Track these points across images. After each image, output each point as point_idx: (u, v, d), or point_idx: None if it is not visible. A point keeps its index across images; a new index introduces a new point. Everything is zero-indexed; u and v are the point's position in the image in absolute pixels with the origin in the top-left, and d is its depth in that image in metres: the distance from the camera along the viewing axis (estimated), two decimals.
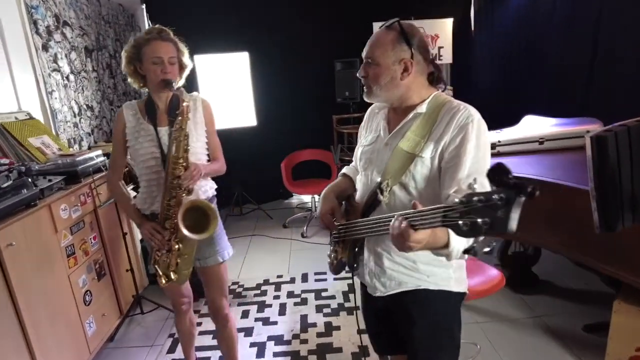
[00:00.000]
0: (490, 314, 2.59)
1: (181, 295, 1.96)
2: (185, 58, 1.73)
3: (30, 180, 1.93)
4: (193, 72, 4.07)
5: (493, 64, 4.14)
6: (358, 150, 1.41)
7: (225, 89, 4.07)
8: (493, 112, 4.07)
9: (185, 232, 1.56)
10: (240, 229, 4.24)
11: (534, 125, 2.72)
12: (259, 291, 3.05)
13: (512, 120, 2.87)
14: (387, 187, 1.21)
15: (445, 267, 1.25)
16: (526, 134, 2.63)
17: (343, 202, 1.41)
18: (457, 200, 0.80)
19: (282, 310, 2.79)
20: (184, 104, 1.58)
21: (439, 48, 4.12)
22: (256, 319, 2.70)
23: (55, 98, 2.81)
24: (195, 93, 1.82)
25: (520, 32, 3.71)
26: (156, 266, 1.71)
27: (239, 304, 2.90)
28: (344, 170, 1.51)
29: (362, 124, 1.45)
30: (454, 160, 1.09)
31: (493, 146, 2.55)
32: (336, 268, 1.37)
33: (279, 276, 3.24)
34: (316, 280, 3.16)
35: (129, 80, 1.74)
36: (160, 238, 1.66)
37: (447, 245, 0.99)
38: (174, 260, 1.67)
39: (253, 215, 4.56)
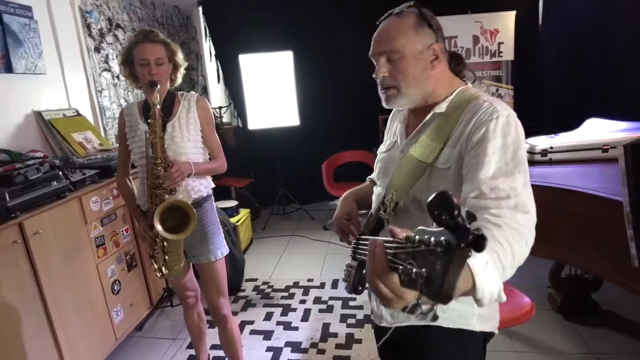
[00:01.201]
0: (533, 343, 2.28)
1: (185, 289, 1.97)
2: (179, 57, 1.74)
3: (61, 173, 2.04)
4: (238, 72, 4.15)
5: (561, 60, 3.70)
6: (377, 157, 1.25)
7: (268, 88, 4.08)
8: (559, 113, 3.66)
9: (160, 230, 1.56)
10: (281, 228, 4.24)
11: (598, 130, 2.35)
12: (286, 294, 2.99)
13: (578, 123, 2.52)
14: (391, 202, 1.04)
15: (467, 302, 0.90)
16: (587, 139, 2.28)
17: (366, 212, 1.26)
18: (415, 233, 0.56)
19: (306, 316, 2.71)
20: (156, 106, 1.58)
21: (499, 44, 3.77)
22: (278, 323, 2.65)
23: (105, 96, 2.99)
24: (191, 92, 1.83)
25: (593, 25, 3.26)
26: (153, 260, 1.74)
27: (265, 305, 2.87)
28: (372, 175, 1.33)
29: (387, 126, 1.28)
30: (474, 161, 0.88)
31: (544, 153, 2.25)
32: (350, 286, 1.14)
33: (310, 280, 3.17)
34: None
35: (127, 82, 1.77)
36: (149, 238, 1.70)
37: (473, 289, 0.66)
38: (162, 256, 1.69)
39: (296, 215, 4.54)
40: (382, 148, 1.21)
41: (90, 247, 2.21)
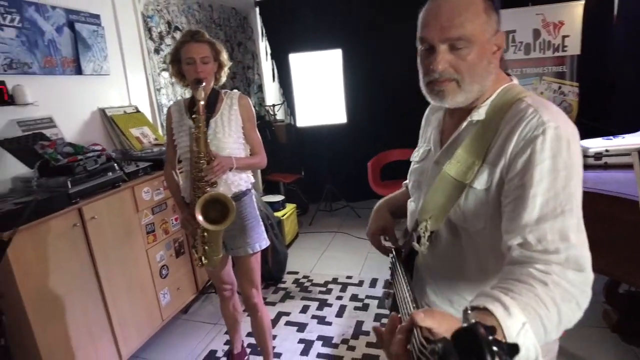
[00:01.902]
0: None
1: (222, 282, 2.07)
2: (223, 57, 1.82)
3: (116, 164, 2.25)
4: (287, 71, 4.24)
5: (637, 54, 3.34)
6: (410, 166, 1.09)
7: (317, 86, 4.14)
8: (633, 113, 3.31)
9: (200, 220, 1.65)
10: (326, 224, 4.29)
11: None
12: (324, 289, 3.04)
13: None
14: (425, 231, 0.90)
15: None
16: None
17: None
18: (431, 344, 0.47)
19: (341, 312, 2.73)
20: (200, 103, 1.66)
21: (563, 37, 3.48)
22: (313, 316, 2.71)
23: (163, 94, 3.22)
24: (234, 90, 1.90)
25: None
26: (194, 250, 1.85)
27: (302, 298, 2.93)
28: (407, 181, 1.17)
29: (421, 129, 1.12)
30: (517, 193, 0.75)
31: (598, 156, 2.06)
32: (390, 304, 1.08)
33: (349, 277, 3.18)
34: (384, 287, 3.00)
35: (174, 80, 1.88)
36: (190, 227, 1.79)
37: None
38: (202, 246, 1.78)
39: (342, 213, 4.56)
40: (416, 156, 1.07)
41: (141, 233, 2.41)
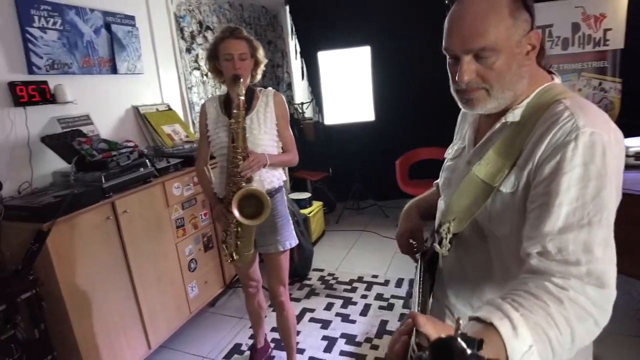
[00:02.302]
0: None
1: (249, 279, 2.10)
2: (260, 54, 1.82)
3: (148, 160, 2.33)
4: (316, 69, 4.25)
5: None
6: (444, 163, 1.06)
7: (345, 84, 4.12)
8: None
9: (236, 214, 1.67)
10: (353, 223, 4.27)
11: None
12: (349, 287, 3.03)
13: None
14: (447, 233, 0.88)
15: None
16: None
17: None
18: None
19: (365, 311, 2.72)
20: (240, 98, 1.67)
21: (605, 31, 3.31)
22: (337, 314, 2.71)
23: (194, 92, 3.31)
24: (269, 88, 1.91)
25: None
26: (224, 245, 1.88)
27: (327, 296, 2.94)
28: (439, 180, 1.12)
29: (457, 125, 1.09)
30: (542, 199, 0.71)
31: (638, 156, 1.95)
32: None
33: (374, 276, 3.16)
34: (410, 287, 2.97)
35: (211, 76, 1.91)
36: (225, 220, 1.82)
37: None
38: (234, 241, 1.81)
39: (370, 211, 4.53)
40: (449, 153, 1.04)
41: (170, 227, 2.49)
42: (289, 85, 4.93)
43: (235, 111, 1.68)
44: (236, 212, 1.68)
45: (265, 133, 1.82)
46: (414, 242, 1.10)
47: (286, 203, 1.98)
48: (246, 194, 1.71)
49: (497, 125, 0.83)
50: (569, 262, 0.65)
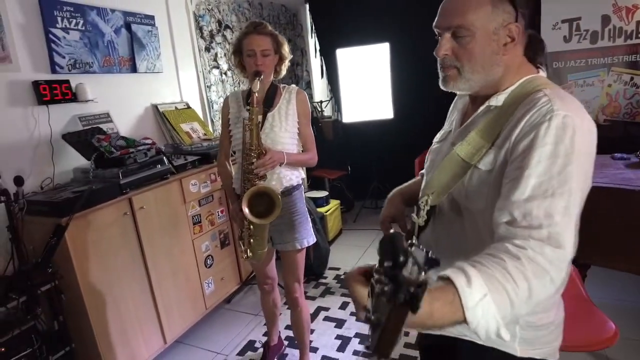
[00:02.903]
0: None
1: (265, 276, 2.09)
2: (285, 50, 1.80)
3: (165, 158, 2.37)
4: (335, 67, 4.22)
5: None
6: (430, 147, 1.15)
7: (363, 82, 4.08)
8: None
9: (246, 213, 1.67)
10: (371, 222, 4.22)
11: None
12: None
13: None
14: (425, 205, 0.94)
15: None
16: None
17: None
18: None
19: None
20: (255, 94, 1.67)
21: (638, 23, 3.14)
22: (352, 313, 2.68)
23: (213, 91, 3.34)
24: (292, 85, 1.89)
25: None
26: (241, 242, 1.88)
27: (342, 295, 2.92)
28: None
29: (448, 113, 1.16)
30: (515, 174, 0.77)
31: None
32: None
33: None
34: None
35: (236, 71, 1.90)
36: (240, 218, 1.81)
37: (465, 321, 0.63)
38: (248, 239, 1.81)
39: None
40: (437, 137, 1.11)
41: (187, 223, 2.52)
42: (308, 84, 4.93)
43: (248, 108, 1.68)
44: (246, 210, 1.67)
45: (286, 131, 1.81)
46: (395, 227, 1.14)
47: (304, 201, 1.96)
48: (257, 192, 1.71)
49: (481, 108, 0.90)
50: (532, 226, 0.71)
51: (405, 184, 1.24)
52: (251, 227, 1.79)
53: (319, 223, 3.33)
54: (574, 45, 3.28)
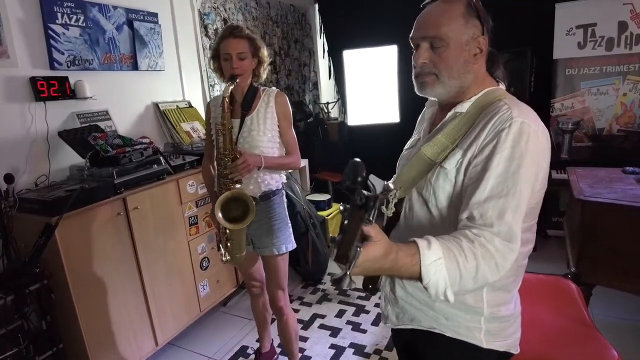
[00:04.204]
0: None
1: (251, 278, 2.06)
2: (263, 53, 1.78)
3: (162, 158, 2.33)
4: (341, 68, 4.15)
5: None
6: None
7: (370, 84, 4.02)
8: None
9: (219, 218, 1.65)
10: None
11: None
12: (363, 294, 2.94)
13: None
14: (393, 198, 1.01)
15: (472, 313, 0.97)
16: None
17: None
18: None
19: (377, 320, 2.62)
20: (225, 99, 1.66)
21: None
22: (348, 322, 2.62)
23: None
24: (272, 88, 1.87)
25: None
26: (220, 245, 1.85)
27: (340, 302, 2.86)
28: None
29: (416, 123, 1.27)
30: (478, 175, 0.88)
31: None
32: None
33: None
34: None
35: (216, 75, 1.88)
36: (215, 221, 1.80)
37: (420, 277, 0.79)
38: (225, 243, 1.79)
39: None
40: (407, 145, 1.20)
41: (183, 224, 2.48)
42: (315, 85, 4.87)
43: (220, 112, 1.67)
44: (219, 215, 1.65)
45: (264, 134, 1.78)
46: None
47: (285, 205, 1.93)
48: (231, 196, 1.68)
49: (448, 114, 0.99)
50: (486, 224, 0.83)
51: None
52: (227, 231, 1.77)
53: (319, 227, 3.27)
54: (588, 51, 3.17)
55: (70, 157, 2.23)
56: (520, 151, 0.85)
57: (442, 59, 0.93)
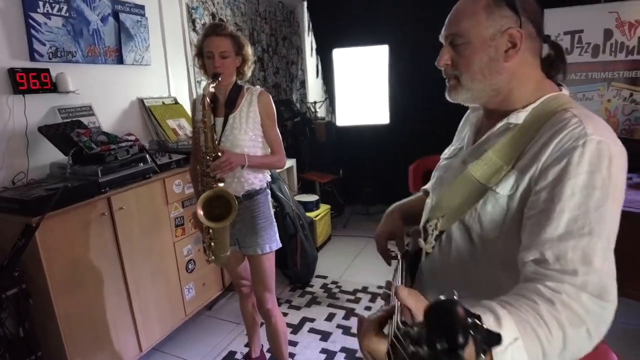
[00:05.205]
0: None
1: (239, 277, 2.02)
2: (247, 51, 1.77)
3: (148, 156, 2.24)
4: (330, 67, 4.11)
5: None
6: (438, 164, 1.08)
7: (360, 84, 3.99)
8: None
9: (200, 216, 1.61)
10: (362, 228, 4.13)
11: None
12: (353, 297, 2.91)
13: None
14: (435, 229, 0.89)
15: None
16: None
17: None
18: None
19: None
20: (206, 98, 1.63)
21: None
22: (338, 325, 2.58)
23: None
24: (257, 87, 1.85)
25: None
26: (204, 245, 1.81)
27: (329, 305, 2.82)
28: (428, 184, 1.11)
29: (458, 128, 1.10)
30: (543, 205, 0.69)
31: None
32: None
33: (380, 287, 3.02)
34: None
35: (200, 73, 1.85)
36: (197, 220, 1.74)
37: None
38: (208, 242, 1.76)
39: (379, 217, 4.27)
40: (446, 153, 1.04)
41: (169, 225, 2.39)
42: (303, 83, 4.81)
43: (200, 110, 1.64)
44: (200, 213, 1.61)
45: (246, 133, 1.76)
46: (392, 251, 1.09)
47: (270, 205, 1.90)
48: (213, 195, 1.65)
49: (499, 125, 0.83)
50: (566, 271, 0.63)
51: (406, 200, 1.19)
52: (210, 230, 1.74)
53: (308, 228, 3.23)
54: (575, 57, 3.22)
55: (50, 154, 2.12)
56: (602, 179, 0.67)
57: (464, 58, 0.81)
